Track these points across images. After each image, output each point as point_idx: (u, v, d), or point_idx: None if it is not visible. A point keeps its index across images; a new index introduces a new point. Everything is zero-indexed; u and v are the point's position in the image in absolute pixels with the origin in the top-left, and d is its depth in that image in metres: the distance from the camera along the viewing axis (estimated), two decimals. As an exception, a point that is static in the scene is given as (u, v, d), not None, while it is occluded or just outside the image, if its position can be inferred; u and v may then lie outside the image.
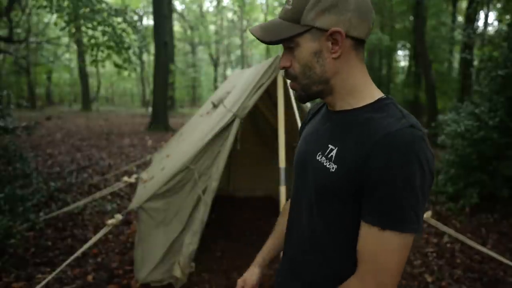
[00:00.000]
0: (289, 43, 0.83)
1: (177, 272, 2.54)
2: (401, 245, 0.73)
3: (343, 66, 0.83)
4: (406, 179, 0.71)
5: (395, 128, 0.73)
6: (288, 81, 0.89)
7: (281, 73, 2.76)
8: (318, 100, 0.93)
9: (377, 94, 0.85)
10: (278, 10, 22.70)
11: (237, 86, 3.51)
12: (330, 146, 0.84)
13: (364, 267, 0.77)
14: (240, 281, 1.11)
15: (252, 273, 1.12)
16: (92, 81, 26.58)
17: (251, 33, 0.85)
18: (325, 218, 0.85)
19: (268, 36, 0.82)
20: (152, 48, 14.55)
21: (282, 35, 0.81)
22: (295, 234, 0.97)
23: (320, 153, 0.87)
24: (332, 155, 0.83)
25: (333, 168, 0.81)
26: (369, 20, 0.81)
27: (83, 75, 21.42)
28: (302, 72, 0.84)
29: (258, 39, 0.83)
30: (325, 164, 0.84)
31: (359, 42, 0.82)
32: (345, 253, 0.84)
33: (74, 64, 25.21)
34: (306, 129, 1.02)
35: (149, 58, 25.83)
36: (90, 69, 22.95)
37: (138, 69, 24.79)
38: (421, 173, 0.72)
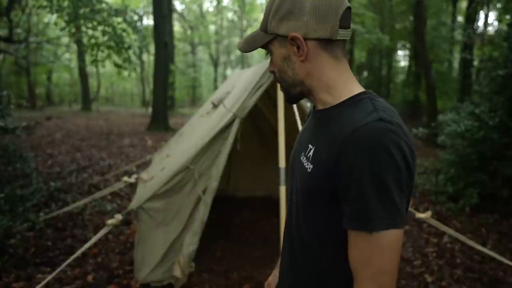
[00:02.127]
0: (268, 50, 0.88)
1: (177, 272, 2.54)
2: (386, 244, 0.69)
3: (313, 67, 0.83)
4: (373, 175, 0.67)
5: (363, 123, 0.70)
6: None
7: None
8: None
9: (356, 90, 0.82)
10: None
11: (237, 86, 3.51)
12: (310, 146, 0.84)
13: (360, 275, 0.73)
14: (266, 284, 1.17)
15: (274, 276, 1.15)
16: (92, 81, 26.53)
17: (237, 47, 0.92)
18: (309, 220, 0.84)
19: (247, 46, 0.89)
20: (152, 48, 14.55)
21: (256, 44, 0.87)
22: (287, 236, 0.96)
23: (303, 153, 0.87)
24: (310, 155, 0.82)
25: (309, 168, 0.80)
26: (332, 20, 0.78)
27: (83, 75, 21.38)
28: (279, 76, 0.88)
29: (240, 51, 0.91)
30: (304, 164, 0.83)
31: (329, 42, 0.81)
32: (332, 257, 0.81)
33: (74, 64, 25.15)
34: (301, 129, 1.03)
35: (149, 58, 25.81)
36: (90, 69, 22.91)
37: (138, 69, 24.80)
38: (393, 168, 0.67)
